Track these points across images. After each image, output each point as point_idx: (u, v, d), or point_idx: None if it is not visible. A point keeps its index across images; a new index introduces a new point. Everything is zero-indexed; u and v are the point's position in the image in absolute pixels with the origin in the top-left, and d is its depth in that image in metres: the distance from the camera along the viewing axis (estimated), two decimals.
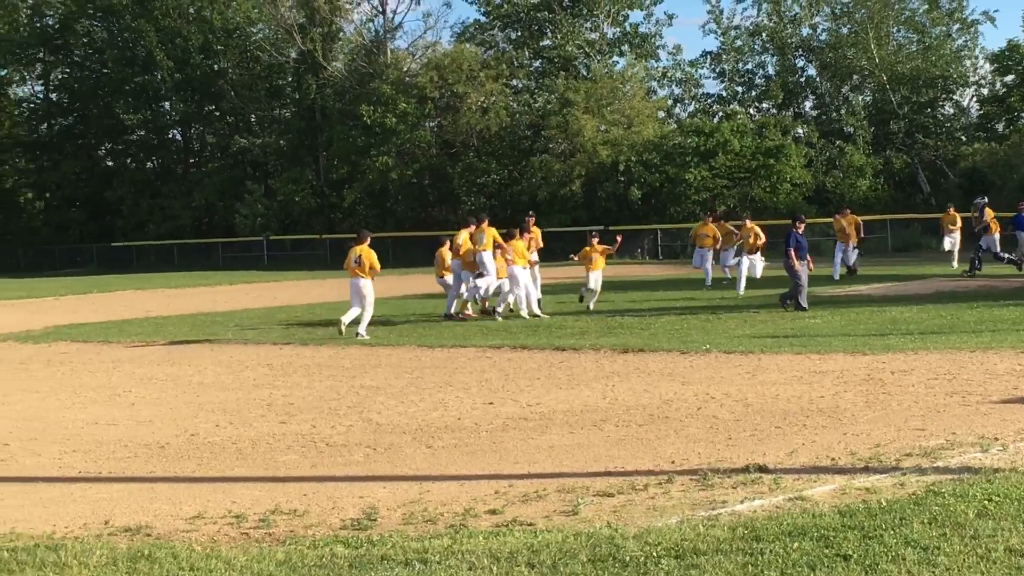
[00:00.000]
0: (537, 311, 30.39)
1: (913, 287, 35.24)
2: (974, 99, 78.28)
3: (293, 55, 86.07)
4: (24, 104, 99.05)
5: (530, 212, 40.76)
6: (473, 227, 31.32)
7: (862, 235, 41.94)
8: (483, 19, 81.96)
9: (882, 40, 74.90)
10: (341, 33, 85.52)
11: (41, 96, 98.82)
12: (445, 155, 78.49)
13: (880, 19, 74.90)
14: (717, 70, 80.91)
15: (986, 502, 9.44)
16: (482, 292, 30.72)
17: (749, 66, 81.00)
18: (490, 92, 75.95)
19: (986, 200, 39.03)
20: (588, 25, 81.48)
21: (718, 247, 39.02)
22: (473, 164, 76.52)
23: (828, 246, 64.08)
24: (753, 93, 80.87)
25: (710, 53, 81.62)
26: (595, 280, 31.60)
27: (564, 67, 78.22)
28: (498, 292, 31.06)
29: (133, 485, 12.27)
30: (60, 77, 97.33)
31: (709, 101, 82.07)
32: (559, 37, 79.43)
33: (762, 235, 36.72)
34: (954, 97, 77.81)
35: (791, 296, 28.73)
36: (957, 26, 76.71)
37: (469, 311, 31.15)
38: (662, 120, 78.59)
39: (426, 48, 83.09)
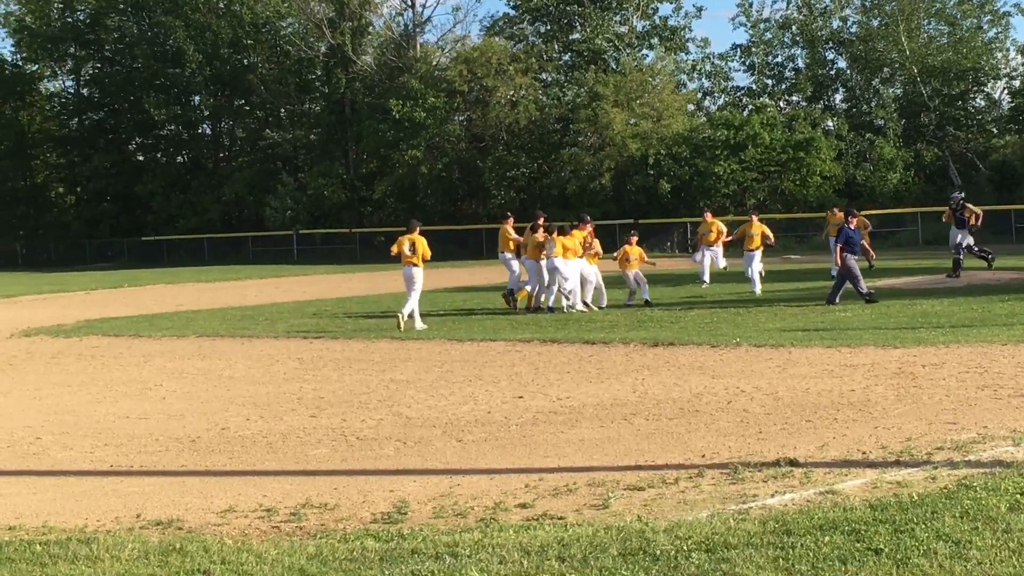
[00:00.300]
0: (581, 304, 30.32)
1: (944, 280, 35.08)
2: (1005, 91, 77.95)
3: (323, 49, 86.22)
4: (55, 99, 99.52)
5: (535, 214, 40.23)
6: (541, 222, 31.00)
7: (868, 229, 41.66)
8: (512, 12, 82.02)
9: (913, 32, 74.61)
10: (370, 27, 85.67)
11: (72, 91, 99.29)
12: (475, 149, 78.53)
13: (911, 11, 74.61)
14: (747, 63, 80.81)
15: (1018, 496, 9.39)
16: (567, 291, 30.44)
17: (779, 59, 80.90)
18: (519, 86, 75.94)
19: (964, 194, 38.79)
20: (617, 18, 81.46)
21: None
22: (503, 158, 76.52)
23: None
24: (783, 86, 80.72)
25: (740, 46, 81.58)
26: (633, 278, 31.58)
27: (593, 60, 78.19)
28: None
29: (164, 479, 12.31)
30: (91, 72, 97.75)
31: (739, 94, 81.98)
32: (588, 30, 79.39)
33: (725, 233, 36.86)
34: (985, 89, 77.55)
35: (862, 292, 28.43)
36: (988, 18, 76.39)
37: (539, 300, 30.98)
38: (691, 113, 78.54)
39: (455, 42, 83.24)
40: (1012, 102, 76.70)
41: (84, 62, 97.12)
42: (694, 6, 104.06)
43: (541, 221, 30.90)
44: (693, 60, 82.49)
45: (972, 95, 77.06)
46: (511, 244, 31.86)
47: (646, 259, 32.62)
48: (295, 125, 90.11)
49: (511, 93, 76.38)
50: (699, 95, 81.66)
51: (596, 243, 31.62)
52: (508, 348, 22.70)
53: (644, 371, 18.45)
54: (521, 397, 16.50)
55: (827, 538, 8.39)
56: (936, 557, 7.88)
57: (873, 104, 75.52)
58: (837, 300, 28.27)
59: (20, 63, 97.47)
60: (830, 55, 79.86)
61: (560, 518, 9.75)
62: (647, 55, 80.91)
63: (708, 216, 37.72)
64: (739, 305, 29.53)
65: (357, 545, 9.03)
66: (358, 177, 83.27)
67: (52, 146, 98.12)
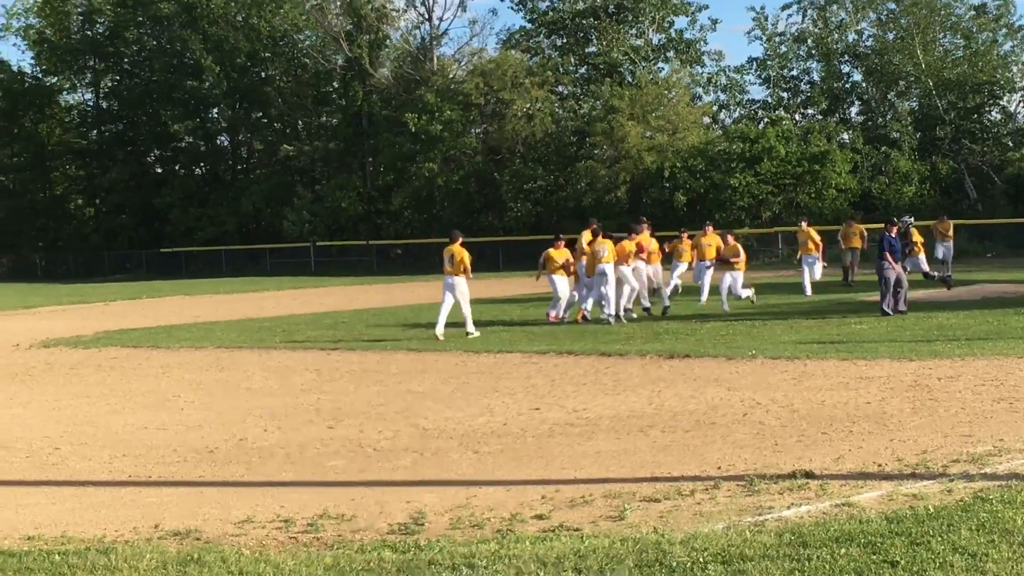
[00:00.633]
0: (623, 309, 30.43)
1: (959, 293, 35.04)
2: (1021, 104, 77.79)
3: (340, 62, 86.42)
4: (74, 111, 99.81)
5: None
6: (594, 228, 31.11)
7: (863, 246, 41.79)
8: (528, 26, 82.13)
9: (928, 46, 74.51)
10: (388, 40, 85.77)
11: (91, 103, 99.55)
12: (491, 161, 78.60)
13: (926, 25, 74.52)
14: (762, 76, 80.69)
15: None
16: (625, 299, 30.53)
17: (794, 72, 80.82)
18: (535, 99, 75.98)
19: (912, 219, 38.90)
20: (633, 31, 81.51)
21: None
22: (519, 170, 76.60)
23: (872, 252, 63.97)
24: (798, 99, 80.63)
25: (755, 59, 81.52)
26: (680, 271, 32.21)
27: (609, 73, 78.24)
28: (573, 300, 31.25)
29: (182, 489, 12.33)
30: (110, 84, 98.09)
31: (754, 107, 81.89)
32: (604, 43, 79.46)
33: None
34: (1001, 102, 77.32)
35: (889, 299, 28.35)
36: (1004, 31, 76.22)
37: (557, 315, 30.96)
38: (707, 126, 78.51)
39: (472, 55, 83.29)
40: None
41: (103, 75, 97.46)
42: (709, 19, 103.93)
43: (593, 228, 31.10)
44: (708, 73, 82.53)
45: (988, 108, 76.88)
46: (569, 260, 31.44)
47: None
48: (312, 137, 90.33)
49: (527, 106, 76.43)
50: (714, 108, 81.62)
51: (653, 243, 32.11)
52: (524, 360, 22.70)
53: (660, 383, 18.44)
54: (537, 409, 16.50)
55: (843, 550, 8.38)
56: (952, 570, 7.86)
57: (888, 117, 75.39)
58: (903, 307, 28.20)
59: (40, 75, 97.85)
60: (845, 68, 79.83)
61: (576, 529, 9.75)
62: (663, 68, 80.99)
63: (709, 230, 37.64)
64: (755, 317, 29.51)
65: (374, 556, 9.04)
66: (375, 189, 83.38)
67: (71, 158, 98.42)
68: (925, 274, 36.01)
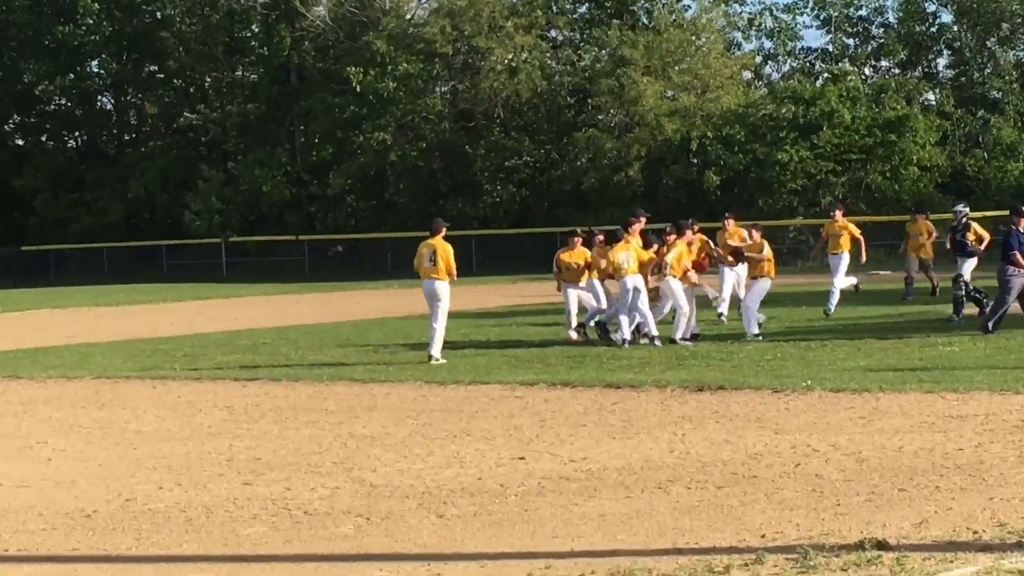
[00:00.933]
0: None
1: None
2: None
3: None
4: None
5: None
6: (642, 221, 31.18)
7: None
8: None
9: None
10: None
11: None
12: (461, 130, 78.64)
13: None
14: (821, 17, 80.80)
15: None
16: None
17: (863, 12, 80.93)
18: (520, 47, 75.96)
19: (967, 208, 39.02)
20: None
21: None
22: (498, 142, 76.61)
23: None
24: (869, 48, 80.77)
25: None
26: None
27: (618, 13, 78.28)
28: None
29: (49, 567, 12.30)
30: None
31: (810, 58, 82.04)
32: None
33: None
34: None
35: (986, 319, 28.31)
36: None
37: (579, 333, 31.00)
38: (748, 83, 78.65)
39: None
40: None
41: None
42: None
43: (643, 222, 31.07)
44: (750, 13, 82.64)
45: None
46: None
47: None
48: (224, 99, 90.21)
49: (509, 56, 76.46)
50: (758, 59, 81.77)
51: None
52: (506, 393, 22.71)
53: (685, 424, 18.47)
54: (522, 458, 16.53)
55: None
56: None
57: (987, 72, 75.58)
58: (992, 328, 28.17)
59: None
60: (931, 6, 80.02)
61: None
62: (689, 6, 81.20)
63: (731, 224, 37.48)
64: (810, 337, 29.54)
65: None
66: (307, 168, 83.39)
67: None
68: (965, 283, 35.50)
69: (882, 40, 79.66)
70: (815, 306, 34.97)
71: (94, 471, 17.11)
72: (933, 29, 79.81)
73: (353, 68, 75.97)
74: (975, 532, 11.68)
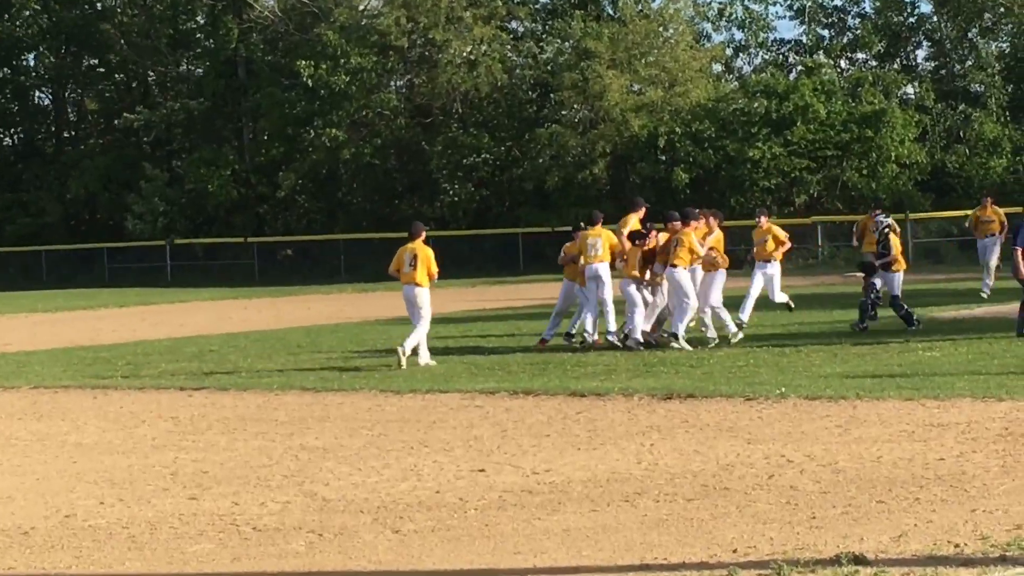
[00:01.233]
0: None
1: None
2: None
3: None
4: None
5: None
6: (642, 212, 31.26)
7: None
8: None
9: None
10: None
11: None
12: (418, 127, 78.60)
13: None
14: (794, 7, 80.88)
15: None
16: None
17: (838, 1, 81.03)
18: (479, 39, 75.97)
19: (888, 218, 38.77)
20: None
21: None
22: (457, 139, 76.57)
23: (948, 250, 64.18)
24: (844, 39, 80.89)
25: None
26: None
27: (582, 3, 78.31)
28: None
29: None
30: None
31: (783, 50, 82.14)
32: None
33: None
34: None
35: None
36: None
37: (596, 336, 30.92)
38: (718, 77, 78.70)
39: None
40: None
41: None
42: None
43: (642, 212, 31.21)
44: (720, 3, 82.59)
45: None
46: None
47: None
48: (168, 94, 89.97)
49: (468, 49, 76.44)
50: (728, 51, 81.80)
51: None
52: (465, 402, 22.73)
53: (653, 434, 18.50)
54: (483, 471, 16.53)
55: None
56: None
57: (969, 64, 75.76)
58: None
59: None
60: None
61: None
62: None
63: (713, 221, 36.94)
64: (784, 342, 29.60)
65: None
66: (255, 167, 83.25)
67: None
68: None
69: (858, 31, 79.70)
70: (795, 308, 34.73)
71: (32, 486, 17.06)
72: (912, 19, 79.95)
73: (304, 62, 75.85)
74: (956, 546, 11.71)
